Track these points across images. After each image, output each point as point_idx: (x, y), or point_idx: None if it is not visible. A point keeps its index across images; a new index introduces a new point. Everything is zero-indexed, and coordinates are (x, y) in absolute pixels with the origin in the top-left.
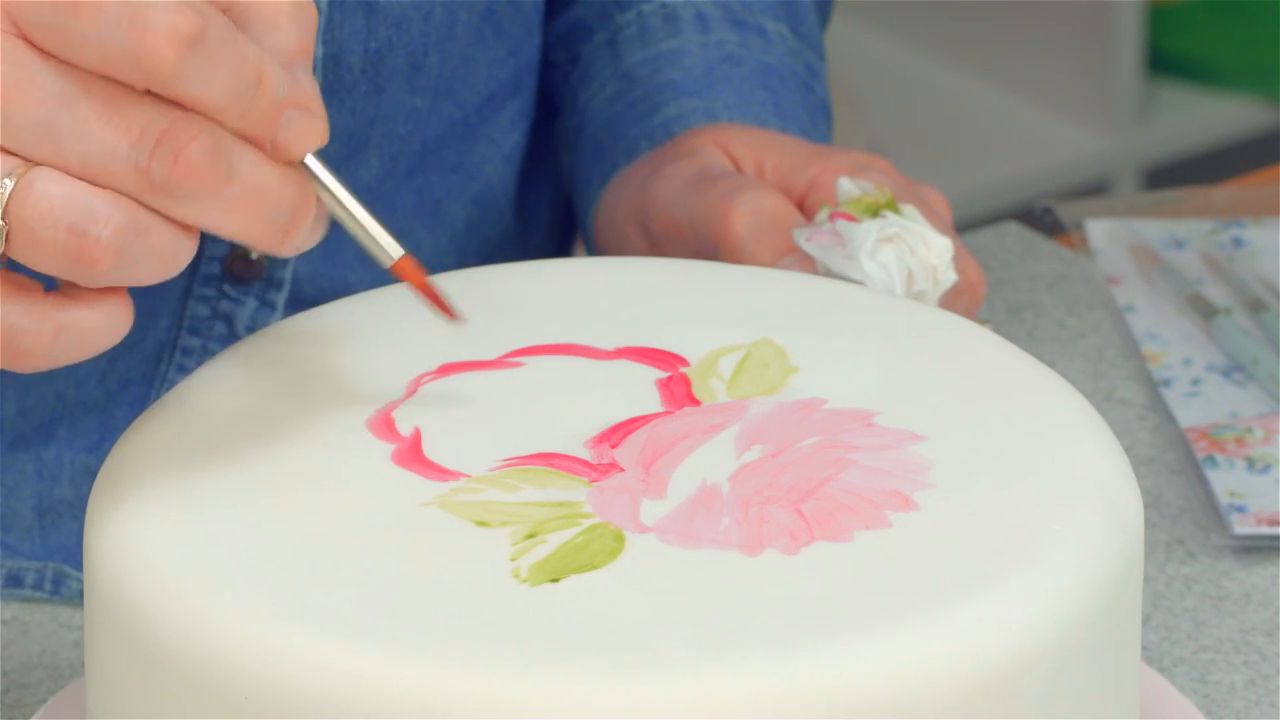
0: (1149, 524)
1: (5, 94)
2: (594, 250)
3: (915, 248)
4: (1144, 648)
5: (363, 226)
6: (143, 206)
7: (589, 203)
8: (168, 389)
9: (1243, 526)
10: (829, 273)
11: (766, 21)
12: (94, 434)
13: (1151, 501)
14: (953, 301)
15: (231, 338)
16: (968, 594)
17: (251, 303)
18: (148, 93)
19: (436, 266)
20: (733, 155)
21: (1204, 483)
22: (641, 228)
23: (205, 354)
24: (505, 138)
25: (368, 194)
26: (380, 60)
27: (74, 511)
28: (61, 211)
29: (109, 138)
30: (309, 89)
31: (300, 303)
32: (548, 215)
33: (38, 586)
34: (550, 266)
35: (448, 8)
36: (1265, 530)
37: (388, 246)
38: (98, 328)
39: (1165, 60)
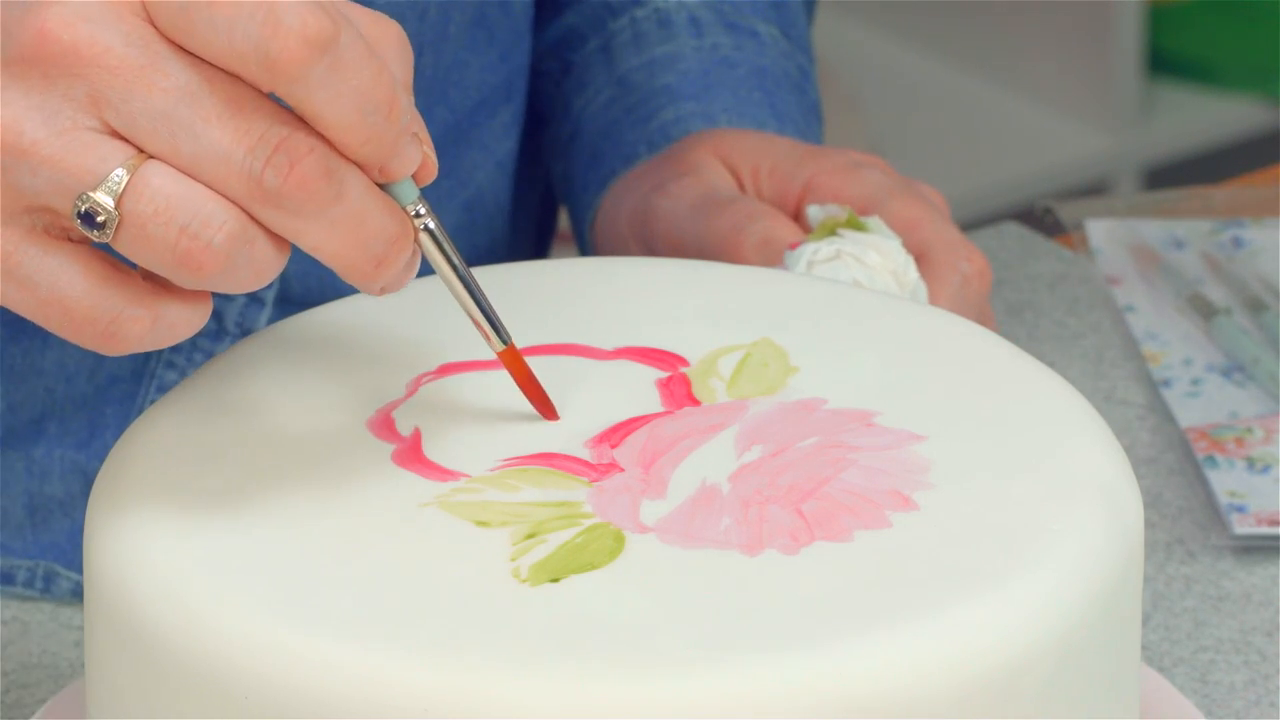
0: (1149, 524)
1: (129, 79)
2: (590, 256)
3: (864, 257)
4: (1144, 648)
5: (475, 304)
6: (249, 215)
7: (585, 209)
8: (156, 385)
9: (1243, 526)
10: None
11: (758, 24)
12: (84, 431)
13: (1151, 501)
14: (962, 290)
15: (221, 334)
16: (968, 594)
17: (240, 299)
18: (271, 101)
19: (426, 270)
20: (730, 164)
21: (1204, 483)
22: (644, 247)
23: (195, 350)
24: (498, 145)
25: None
26: None
27: (65, 509)
28: (176, 211)
29: (225, 140)
30: (419, 120)
31: (289, 301)
32: (535, 222)
33: (29, 584)
34: (550, 266)
35: (442, 8)
36: (1265, 530)
37: (500, 331)
38: (188, 320)
39: (1165, 60)
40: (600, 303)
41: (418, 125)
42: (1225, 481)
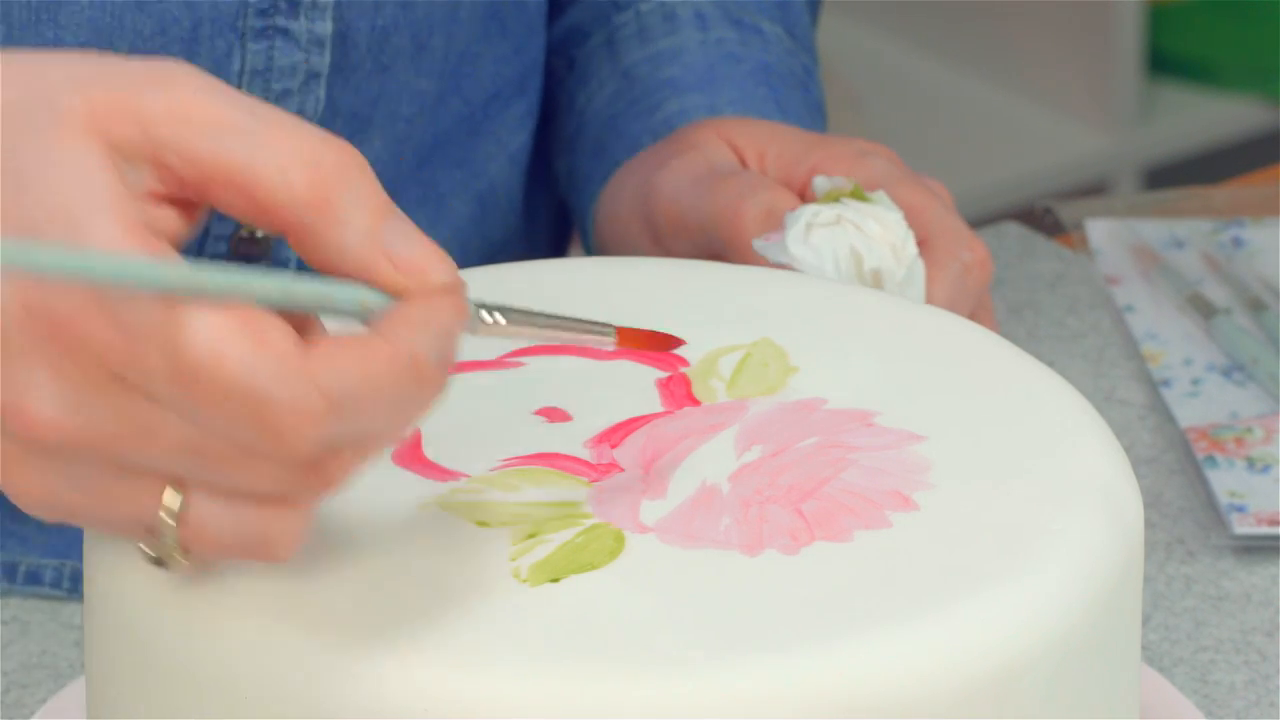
0: (1149, 524)
1: (127, 443)
2: (594, 248)
3: (864, 226)
4: (1144, 648)
5: (572, 331)
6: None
7: (588, 202)
8: None
9: (1243, 526)
10: (780, 266)
11: (763, 22)
12: None
13: (1151, 501)
14: (961, 278)
15: None
16: (968, 594)
17: None
18: None
19: None
20: (735, 146)
21: (1204, 483)
22: (646, 223)
23: None
24: (511, 138)
25: None
26: (385, 39)
27: None
28: (233, 540)
29: (247, 478)
30: (409, 236)
31: None
32: (550, 217)
33: (55, 584)
34: (550, 266)
35: None
36: (1265, 530)
37: (602, 332)
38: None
39: (1165, 60)
40: (600, 303)
41: (408, 244)
42: (1225, 481)
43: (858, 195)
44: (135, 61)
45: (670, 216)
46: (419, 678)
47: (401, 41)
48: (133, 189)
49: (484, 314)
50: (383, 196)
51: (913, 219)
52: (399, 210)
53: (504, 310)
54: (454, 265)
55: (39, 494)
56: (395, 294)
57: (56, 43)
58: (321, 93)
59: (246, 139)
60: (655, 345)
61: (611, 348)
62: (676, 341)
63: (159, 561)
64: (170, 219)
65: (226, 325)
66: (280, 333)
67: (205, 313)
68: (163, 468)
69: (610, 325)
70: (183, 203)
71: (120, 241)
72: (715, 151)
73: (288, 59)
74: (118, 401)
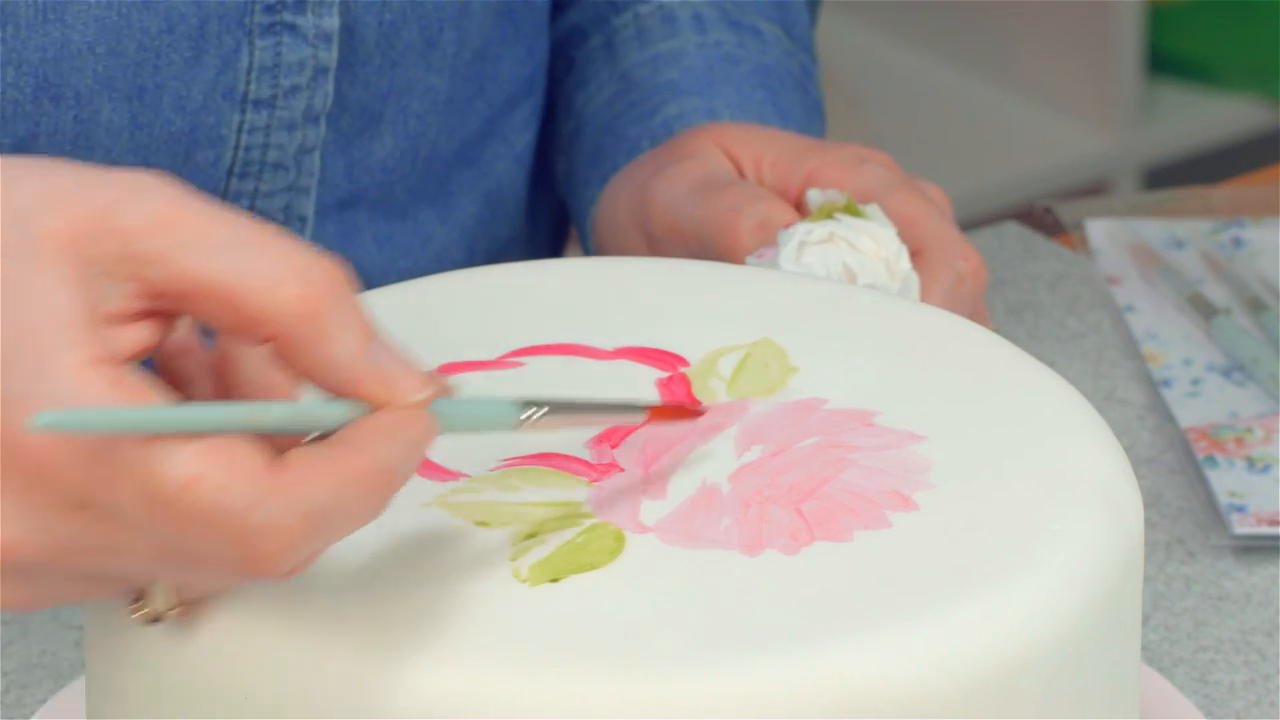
0: (1149, 524)
1: (97, 558)
2: (592, 252)
3: (858, 243)
4: (1144, 648)
5: (601, 415)
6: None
7: (587, 205)
8: None
9: (1243, 526)
10: None
11: (761, 23)
12: None
13: (1151, 501)
14: (955, 288)
15: None
16: (968, 594)
17: None
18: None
19: (447, 260)
20: (732, 153)
21: (1204, 483)
22: (642, 230)
23: None
24: (518, 138)
25: (382, 172)
26: (394, 34)
27: None
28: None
29: (217, 583)
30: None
31: None
32: (551, 217)
33: None
34: (550, 266)
35: None
36: (1265, 530)
37: (634, 411)
38: None
39: (1165, 60)
40: (600, 303)
41: (392, 360)
42: (1225, 481)
43: (851, 209)
44: (112, 173)
45: (666, 225)
46: (418, 678)
47: (411, 37)
48: (104, 312)
49: (525, 409)
50: (367, 313)
51: (907, 229)
52: (378, 326)
53: (548, 403)
54: (429, 382)
55: (18, 601)
56: (378, 408)
57: (64, 42)
58: (330, 88)
59: (235, 252)
60: (680, 416)
61: (641, 421)
62: (698, 413)
63: (155, 619)
64: (142, 335)
65: (198, 451)
66: (251, 452)
67: (177, 443)
68: (133, 574)
69: (642, 405)
70: (158, 315)
71: (80, 376)
72: (712, 159)
73: (295, 55)
74: (85, 523)
